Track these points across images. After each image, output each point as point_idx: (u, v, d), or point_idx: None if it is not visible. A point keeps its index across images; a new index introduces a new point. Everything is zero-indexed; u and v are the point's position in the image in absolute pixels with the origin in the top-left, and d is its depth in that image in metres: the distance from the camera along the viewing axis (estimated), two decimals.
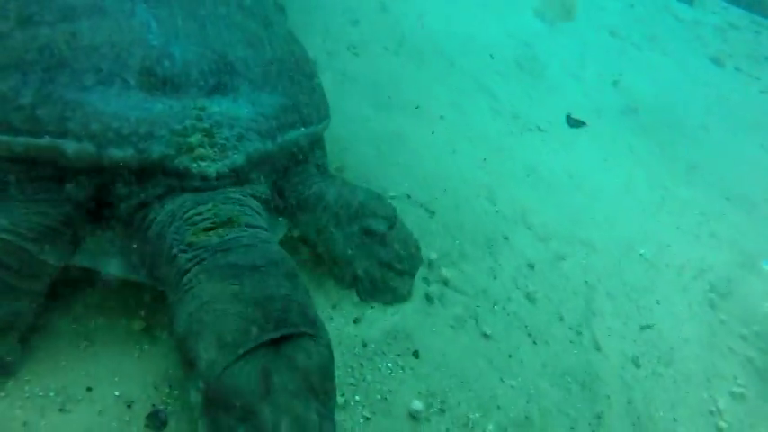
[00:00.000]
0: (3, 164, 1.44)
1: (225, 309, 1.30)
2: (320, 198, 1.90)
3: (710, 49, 6.35)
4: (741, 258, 3.27)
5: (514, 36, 4.90)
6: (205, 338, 1.27)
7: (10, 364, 1.43)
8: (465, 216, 2.59)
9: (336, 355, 1.79)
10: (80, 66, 1.49)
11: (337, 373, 1.75)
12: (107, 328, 1.63)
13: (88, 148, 1.42)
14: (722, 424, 2.35)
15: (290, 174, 1.90)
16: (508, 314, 2.27)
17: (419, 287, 2.16)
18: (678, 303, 2.85)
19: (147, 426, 1.42)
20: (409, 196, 2.57)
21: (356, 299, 2.02)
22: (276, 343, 1.28)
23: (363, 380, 1.77)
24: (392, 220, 2.03)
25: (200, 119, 1.56)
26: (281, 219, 1.90)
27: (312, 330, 1.36)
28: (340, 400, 1.67)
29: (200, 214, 1.49)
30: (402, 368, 1.86)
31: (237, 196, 1.59)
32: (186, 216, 1.49)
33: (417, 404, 1.75)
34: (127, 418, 1.43)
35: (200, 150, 1.54)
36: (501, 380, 2.00)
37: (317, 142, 2.02)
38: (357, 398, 1.72)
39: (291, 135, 1.80)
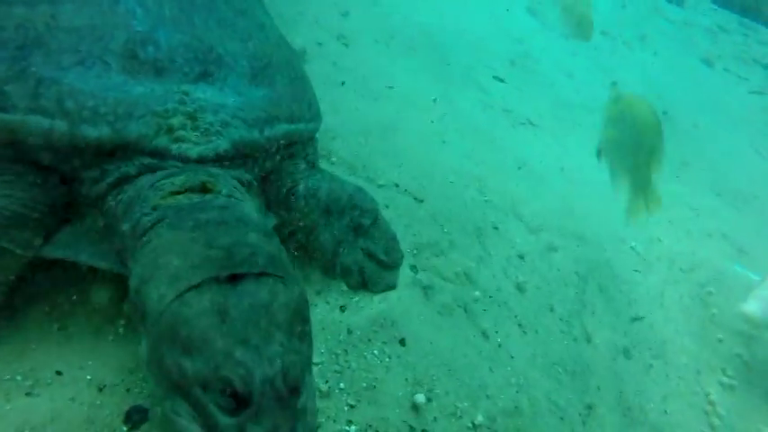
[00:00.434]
0: None
1: (184, 251, 1.20)
2: (312, 193, 1.87)
3: (700, 50, 6.41)
4: (732, 253, 3.26)
5: (507, 32, 4.90)
6: (156, 279, 1.17)
7: None
8: (454, 205, 2.55)
9: (320, 341, 1.75)
10: (58, 45, 1.42)
11: (322, 359, 1.71)
12: (81, 312, 1.57)
13: (60, 125, 1.35)
14: (713, 418, 2.32)
15: (280, 168, 1.85)
16: (498, 304, 2.23)
17: (407, 275, 2.11)
18: (669, 296, 2.83)
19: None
20: (397, 185, 2.53)
21: (342, 288, 1.97)
22: (238, 282, 1.17)
23: (348, 367, 1.72)
24: (375, 213, 2.03)
25: (183, 102, 1.51)
26: (269, 212, 1.86)
27: (281, 273, 1.24)
28: (324, 386, 1.62)
29: (171, 183, 1.42)
30: (389, 356, 1.81)
31: (217, 171, 1.52)
32: (157, 185, 1.42)
33: (403, 392, 1.70)
34: (98, 402, 1.36)
35: (181, 132, 1.48)
36: (490, 369, 1.95)
37: (308, 141, 1.98)
38: (342, 385, 1.66)
39: (280, 128, 1.74)
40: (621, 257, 2.90)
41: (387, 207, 2.33)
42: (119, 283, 1.57)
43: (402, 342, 1.87)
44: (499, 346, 2.07)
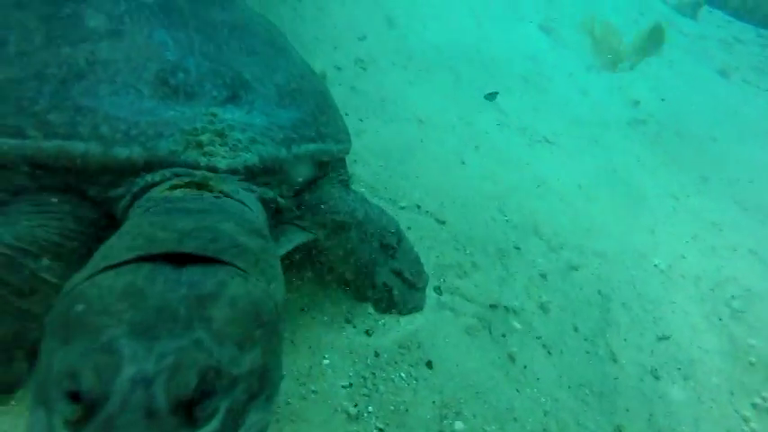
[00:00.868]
0: (14, 172, 1.44)
1: (135, 233, 1.02)
2: (350, 213, 1.89)
3: (716, 62, 6.36)
4: (761, 269, 3.20)
5: (520, 50, 4.94)
6: (87, 265, 1.00)
7: (16, 383, 1.39)
8: (475, 226, 2.57)
9: (348, 364, 1.77)
10: (95, 77, 1.51)
11: (350, 383, 1.72)
12: None
13: (94, 148, 1.40)
14: None
15: (314, 189, 1.87)
16: (522, 324, 2.22)
17: (431, 297, 2.13)
18: (695, 315, 2.79)
19: None
20: (419, 206, 2.56)
21: (368, 311, 2.00)
22: (184, 267, 0.97)
23: (376, 390, 1.73)
24: (399, 234, 2.06)
25: (211, 122, 1.55)
26: (300, 230, 1.85)
27: (243, 265, 1.02)
28: (353, 410, 1.63)
29: (175, 181, 1.39)
30: (416, 379, 1.82)
31: (233, 187, 1.48)
32: (163, 183, 1.40)
33: (431, 415, 1.70)
34: None
35: (210, 147, 1.51)
36: (517, 391, 1.95)
37: (339, 162, 2.00)
38: (370, 408, 1.67)
39: (308, 148, 1.77)
40: (644, 275, 2.87)
41: (409, 228, 2.36)
42: None
43: (429, 364, 1.88)
44: (525, 367, 2.06)
